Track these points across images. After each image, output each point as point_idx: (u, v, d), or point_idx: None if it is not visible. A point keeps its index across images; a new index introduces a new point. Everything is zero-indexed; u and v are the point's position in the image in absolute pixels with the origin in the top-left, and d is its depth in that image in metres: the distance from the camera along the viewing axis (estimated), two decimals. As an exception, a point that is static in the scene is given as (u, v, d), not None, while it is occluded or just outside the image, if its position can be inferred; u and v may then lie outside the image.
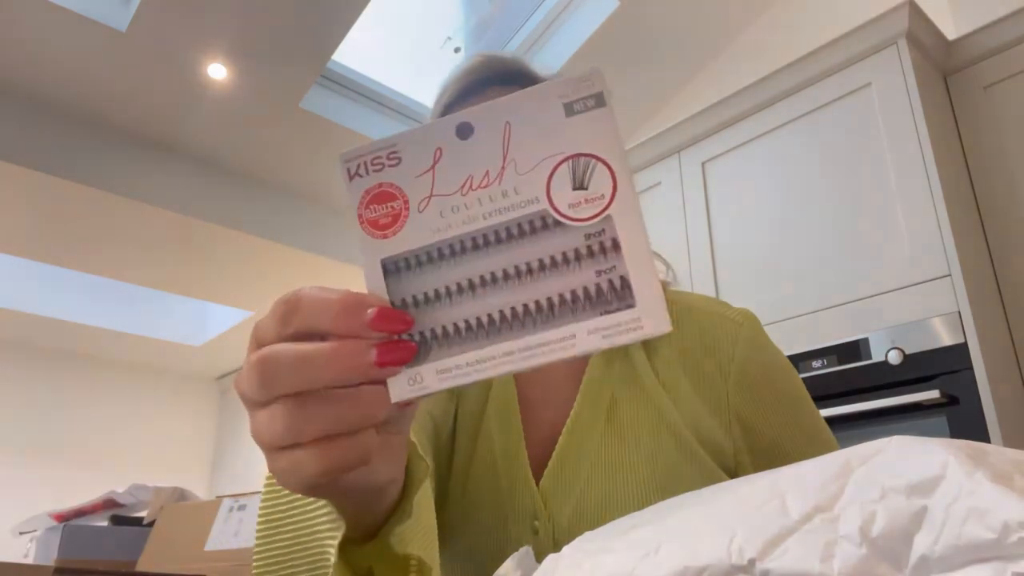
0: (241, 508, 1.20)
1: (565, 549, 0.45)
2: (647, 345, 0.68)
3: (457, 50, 3.38)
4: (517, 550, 0.52)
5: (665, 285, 0.80)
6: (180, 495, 1.52)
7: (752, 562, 0.35)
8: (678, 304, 0.70)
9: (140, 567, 1.24)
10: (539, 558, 0.54)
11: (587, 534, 0.46)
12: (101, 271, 3.76)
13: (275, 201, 3.48)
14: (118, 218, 3.19)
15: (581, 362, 0.67)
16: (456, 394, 0.70)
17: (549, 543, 0.61)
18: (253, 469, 4.77)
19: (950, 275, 1.58)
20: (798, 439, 0.65)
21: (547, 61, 3.11)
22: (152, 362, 5.12)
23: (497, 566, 0.58)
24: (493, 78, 0.71)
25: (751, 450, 0.65)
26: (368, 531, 0.40)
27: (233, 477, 4.95)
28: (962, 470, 0.32)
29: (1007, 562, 0.29)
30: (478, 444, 0.66)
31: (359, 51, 3.15)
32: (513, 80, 0.71)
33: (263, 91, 2.88)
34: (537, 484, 0.63)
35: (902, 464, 0.35)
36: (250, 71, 2.78)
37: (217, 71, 2.76)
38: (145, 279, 3.84)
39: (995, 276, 1.72)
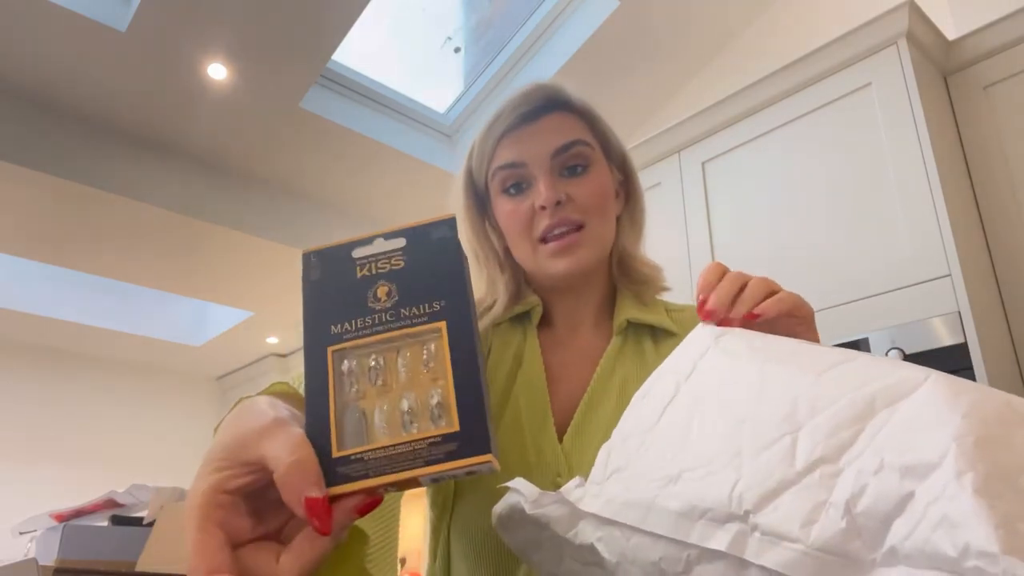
0: (241, 508, 1.20)
1: (594, 470, 0.49)
2: (656, 338, 0.78)
3: (457, 50, 3.38)
4: None
5: (662, 289, 0.84)
6: (180, 495, 1.52)
7: (747, 513, 0.37)
8: (687, 309, 0.82)
9: (140, 567, 1.24)
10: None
11: (614, 450, 0.49)
12: (101, 271, 3.76)
13: (275, 201, 3.47)
14: (118, 218, 3.19)
15: (596, 349, 0.77)
16: (488, 342, 0.80)
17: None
18: (253, 469, 4.77)
19: (950, 275, 1.58)
20: None
21: (547, 61, 3.11)
22: (152, 362, 5.12)
23: None
24: (551, 105, 0.77)
25: None
26: None
27: (233, 477, 4.94)
28: (956, 466, 0.31)
29: None
30: (507, 408, 0.74)
31: (359, 51, 3.15)
32: (570, 107, 0.78)
33: (263, 91, 2.88)
34: (560, 443, 0.71)
35: (912, 431, 0.34)
36: (250, 71, 2.78)
37: (217, 71, 2.76)
38: (145, 279, 3.84)
39: (995, 276, 1.72)
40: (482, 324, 0.81)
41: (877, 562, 0.33)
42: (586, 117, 0.80)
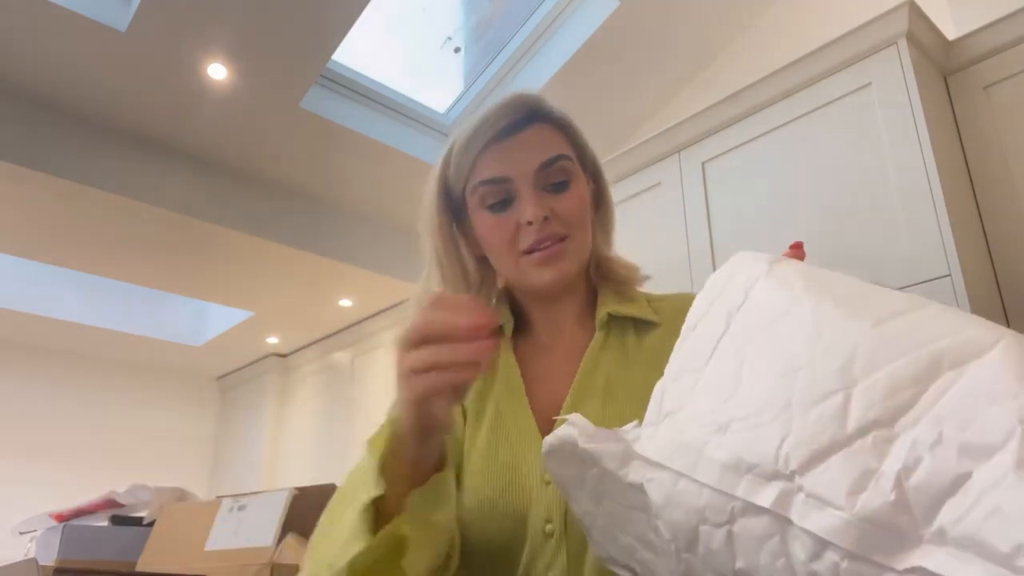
0: (241, 508, 1.20)
1: (649, 410, 0.49)
2: (639, 330, 0.79)
3: (457, 50, 3.38)
4: (530, 501, 0.67)
5: (642, 281, 0.86)
6: (180, 495, 1.52)
7: (793, 473, 0.36)
8: (667, 299, 0.83)
9: (140, 567, 1.24)
10: (549, 509, 0.65)
11: (667, 390, 0.48)
12: (101, 271, 3.76)
13: (275, 201, 3.47)
14: (118, 218, 3.19)
15: (579, 347, 0.78)
16: None
17: (557, 492, 0.68)
18: (253, 469, 4.77)
19: (950, 275, 1.58)
20: None
21: (547, 61, 3.11)
22: (152, 362, 5.12)
23: (512, 515, 0.67)
24: (532, 116, 0.78)
25: None
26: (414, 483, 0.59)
27: (233, 477, 4.95)
28: (1018, 453, 0.30)
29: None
30: (484, 416, 0.76)
31: (359, 51, 3.15)
32: (550, 119, 0.79)
33: (263, 91, 2.88)
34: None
35: (975, 406, 0.32)
36: (250, 71, 2.78)
37: (217, 71, 2.76)
38: (145, 279, 3.84)
39: (995, 276, 1.72)
40: None
41: (924, 539, 0.32)
42: (565, 129, 0.81)
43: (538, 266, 0.75)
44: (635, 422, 0.50)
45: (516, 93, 0.78)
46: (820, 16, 2.61)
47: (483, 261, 0.82)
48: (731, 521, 0.39)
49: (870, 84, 1.82)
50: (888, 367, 0.36)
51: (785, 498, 0.36)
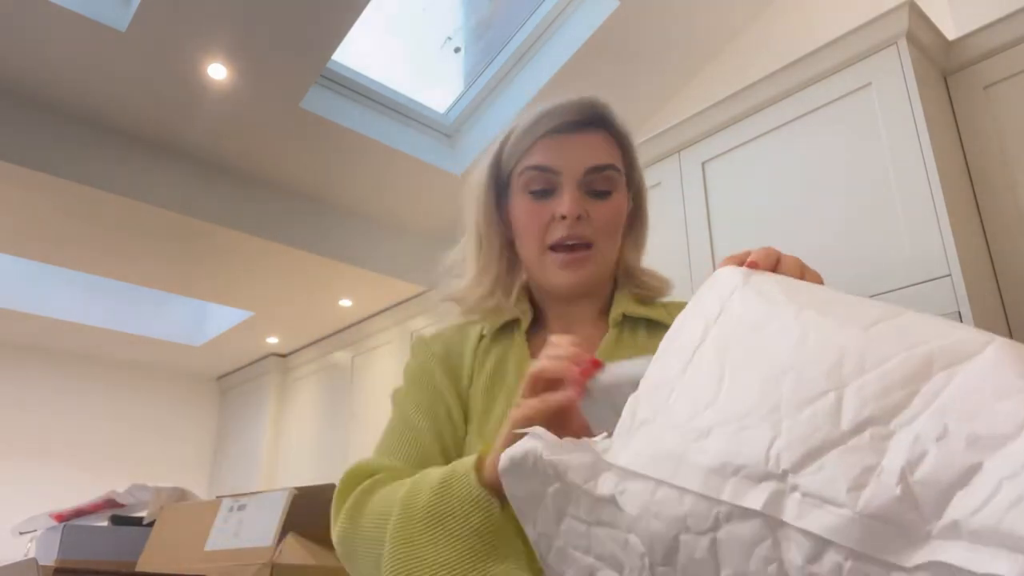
0: (241, 508, 1.20)
1: (621, 422, 0.47)
2: (651, 330, 0.79)
3: (457, 50, 3.38)
4: None
5: (664, 295, 0.86)
6: (180, 495, 1.52)
7: (785, 473, 0.35)
8: (681, 305, 0.82)
9: (140, 567, 1.24)
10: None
11: (642, 401, 0.46)
12: (101, 271, 3.76)
13: (275, 201, 3.48)
14: (118, 218, 3.19)
15: (592, 344, 0.78)
16: (469, 370, 0.82)
17: None
18: (253, 469, 4.77)
19: (950, 275, 1.58)
20: None
21: (547, 62, 3.11)
22: (152, 362, 5.12)
23: None
24: (597, 122, 0.80)
25: None
26: None
27: (233, 477, 4.95)
28: None
29: None
30: (492, 411, 0.76)
31: (359, 51, 3.15)
32: (612, 130, 0.82)
33: (263, 91, 2.88)
34: None
35: (980, 398, 0.32)
36: (250, 71, 2.78)
37: (217, 71, 2.76)
38: (145, 279, 3.84)
39: (995, 276, 1.72)
40: (474, 329, 0.84)
41: (932, 534, 0.30)
42: (623, 144, 0.83)
43: (560, 267, 0.77)
44: (603, 433, 0.48)
45: (589, 96, 0.81)
46: (820, 16, 2.61)
47: (511, 246, 0.84)
48: (715, 528, 0.37)
49: (870, 84, 1.82)
50: (879, 368, 0.35)
51: (777, 499, 0.35)
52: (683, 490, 0.39)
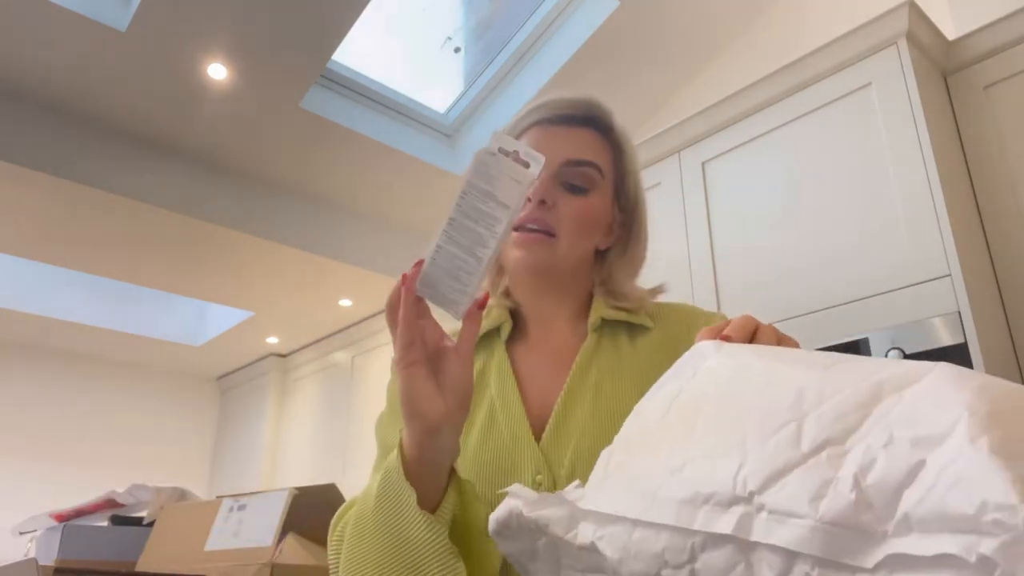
0: (241, 508, 1.20)
1: (594, 472, 0.49)
2: (632, 333, 0.79)
3: (457, 50, 3.38)
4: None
5: (657, 292, 0.85)
6: (180, 495, 1.52)
7: (752, 495, 0.37)
8: (665, 306, 0.83)
9: (140, 567, 1.24)
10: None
11: (616, 452, 0.49)
12: (101, 271, 3.76)
13: (275, 201, 3.48)
14: (118, 218, 3.19)
15: (572, 350, 0.78)
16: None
17: (551, 491, 0.68)
18: (253, 469, 4.77)
19: (950, 275, 1.58)
20: None
21: (547, 61, 3.11)
22: (152, 362, 5.12)
23: None
24: (591, 121, 0.80)
25: None
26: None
27: (233, 477, 4.95)
28: (969, 433, 0.31)
29: (980, 537, 0.29)
30: (478, 417, 0.76)
31: (359, 51, 3.15)
32: (606, 133, 0.82)
33: (263, 91, 2.88)
34: (538, 443, 0.72)
35: (922, 409, 0.34)
36: (250, 71, 2.78)
37: (217, 71, 2.76)
38: (145, 279, 3.84)
39: (995, 276, 1.72)
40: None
41: (889, 533, 0.32)
42: (616, 149, 0.82)
43: (515, 245, 0.76)
44: (576, 482, 0.50)
45: (590, 95, 0.81)
46: (820, 16, 2.61)
47: None
48: (692, 559, 0.39)
49: (870, 84, 1.82)
50: (835, 398, 0.38)
51: (746, 521, 0.37)
52: (659, 526, 0.41)
